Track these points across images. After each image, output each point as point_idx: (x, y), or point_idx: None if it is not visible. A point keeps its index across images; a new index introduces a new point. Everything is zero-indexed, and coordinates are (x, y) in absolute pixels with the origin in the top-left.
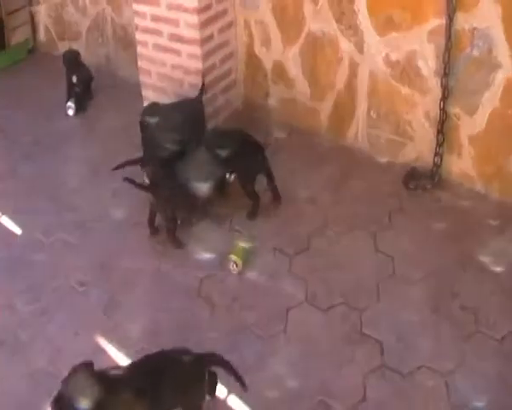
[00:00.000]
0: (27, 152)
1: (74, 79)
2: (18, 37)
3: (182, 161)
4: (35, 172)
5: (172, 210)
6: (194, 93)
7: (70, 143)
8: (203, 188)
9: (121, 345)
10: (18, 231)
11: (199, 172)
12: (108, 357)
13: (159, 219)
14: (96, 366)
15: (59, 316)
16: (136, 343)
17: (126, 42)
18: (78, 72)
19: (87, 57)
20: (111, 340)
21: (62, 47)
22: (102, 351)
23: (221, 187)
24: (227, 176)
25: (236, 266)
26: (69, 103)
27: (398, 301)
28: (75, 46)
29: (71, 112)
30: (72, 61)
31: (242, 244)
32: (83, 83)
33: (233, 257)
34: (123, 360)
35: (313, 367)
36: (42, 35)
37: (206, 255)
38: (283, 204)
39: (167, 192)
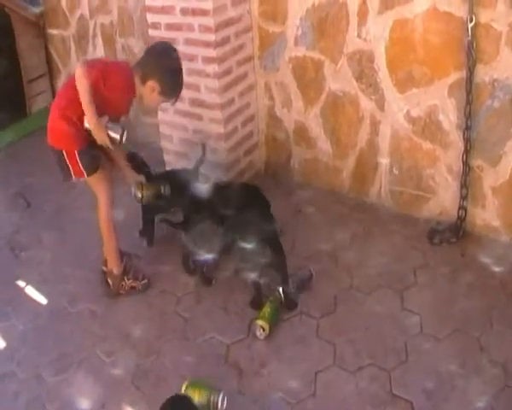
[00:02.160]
0: (51, 220)
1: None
2: (39, 104)
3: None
4: (59, 241)
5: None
6: (214, 158)
7: (93, 209)
8: None
9: None
10: (43, 300)
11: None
12: None
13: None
14: None
15: (86, 387)
16: None
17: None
18: None
19: None
20: None
21: None
22: None
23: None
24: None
25: (263, 330)
26: None
27: (427, 358)
28: None
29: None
30: None
31: (268, 308)
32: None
33: (259, 322)
34: None
35: None
36: None
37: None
38: (308, 264)
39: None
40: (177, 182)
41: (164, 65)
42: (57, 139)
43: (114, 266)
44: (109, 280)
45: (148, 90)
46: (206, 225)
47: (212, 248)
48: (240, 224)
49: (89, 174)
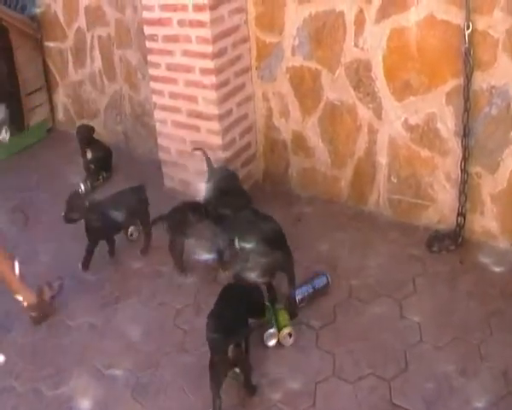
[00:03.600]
0: (48, 233)
1: (89, 154)
2: (37, 117)
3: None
4: (57, 253)
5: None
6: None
7: None
8: None
9: None
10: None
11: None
12: None
13: None
14: None
15: (85, 401)
16: None
17: (144, 119)
18: (93, 146)
19: (105, 135)
20: None
21: None
22: None
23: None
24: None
25: (290, 336)
26: (80, 183)
27: (427, 367)
28: (93, 124)
29: (80, 191)
30: (86, 135)
31: (285, 315)
32: (98, 159)
33: (286, 330)
34: None
35: None
36: (60, 114)
37: None
38: (306, 274)
39: None
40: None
41: None
42: None
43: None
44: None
45: None
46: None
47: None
48: (241, 224)
49: None
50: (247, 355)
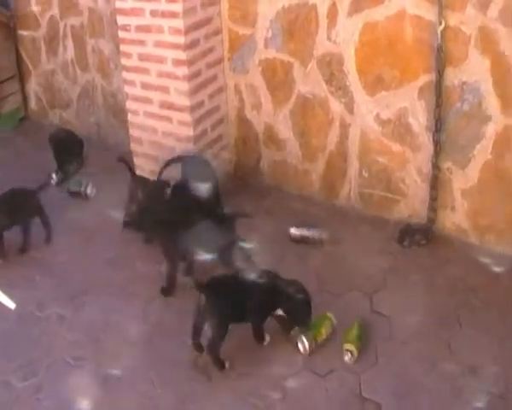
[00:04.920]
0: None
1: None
2: (9, 106)
3: None
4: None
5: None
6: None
7: (61, 213)
8: None
9: None
10: (11, 305)
11: None
12: None
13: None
14: None
15: (54, 392)
16: None
17: (117, 109)
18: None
19: (78, 125)
20: None
21: (53, 115)
22: None
23: None
24: None
25: (352, 355)
26: (52, 174)
27: (396, 361)
28: (66, 114)
29: (53, 181)
30: (58, 143)
31: (356, 330)
32: (71, 153)
33: (348, 346)
34: None
35: None
36: (33, 103)
37: None
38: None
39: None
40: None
41: None
42: None
43: None
44: None
45: None
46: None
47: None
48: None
49: None
50: None
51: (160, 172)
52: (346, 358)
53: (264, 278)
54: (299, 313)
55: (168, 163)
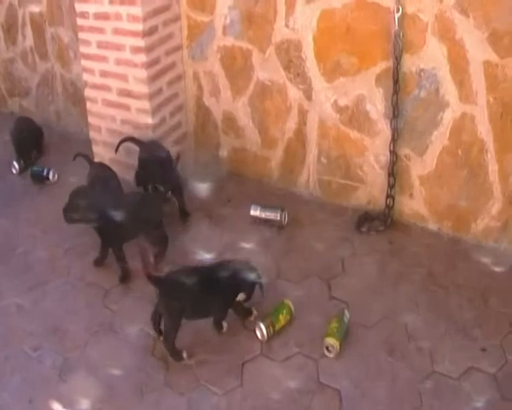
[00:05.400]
0: None
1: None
2: None
3: None
4: None
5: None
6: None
7: (19, 202)
8: None
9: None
10: None
11: None
12: None
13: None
14: None
15: (12, 383)
16: (93, 405)
17: (76, 98)
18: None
19: (37, 114)
20: (66, 405)
21: (12, 103)
22: None
23: None
24: None
25: (332, 349)
26: (14, 162)
27: (354, 346)
28: (25, 103)
29: (14, 171)
30: (18, 132)
31: (336, 323)
32: (31, 142)
33: (329, 340)
34: None
35: None
36: None
37: None
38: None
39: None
40: None
41: None
42: None
43: None
44: None
45: None
46: None
47: None
48: None
49: None
50: None
51: (116, 149)
52: (326, 352)
53: (222, 269)
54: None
55: (124, 140)
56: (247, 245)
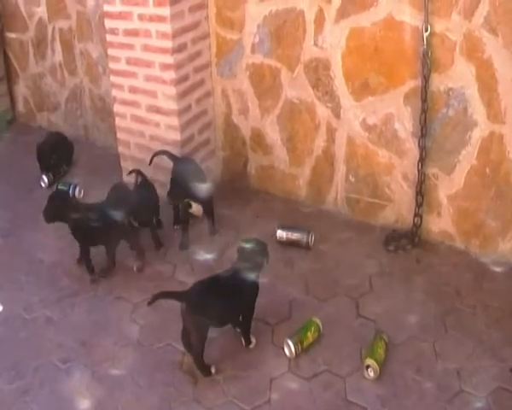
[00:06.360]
0: (7, 226)
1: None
2: None
3: None
4: (15, 248)
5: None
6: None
7: None
8: None
9: None
10: None
11: None
12: None
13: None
14: None
15: (42, 395)
16: None
17: (104, 112)
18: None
19: (66, 128)
20: None
21: (41, 118)
22: None
23: None
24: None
25: (373, 373)
26: (42, 176)
27: (382, 364)
28: (54, 117)
29: (43, 184)
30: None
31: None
32: (61, 156)
33: (369, 361)
34: None
35: None
36: (21, 106)
37: None
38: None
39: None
40: None
41: None
42: None
43: None
44: None
45: None
46: None
47: None
48: None
49: None
50: None
51: (150, 161)
52: (366, 374)
53: (243, 274)
54: None
55: (158, 153)
56: (274, 261)
